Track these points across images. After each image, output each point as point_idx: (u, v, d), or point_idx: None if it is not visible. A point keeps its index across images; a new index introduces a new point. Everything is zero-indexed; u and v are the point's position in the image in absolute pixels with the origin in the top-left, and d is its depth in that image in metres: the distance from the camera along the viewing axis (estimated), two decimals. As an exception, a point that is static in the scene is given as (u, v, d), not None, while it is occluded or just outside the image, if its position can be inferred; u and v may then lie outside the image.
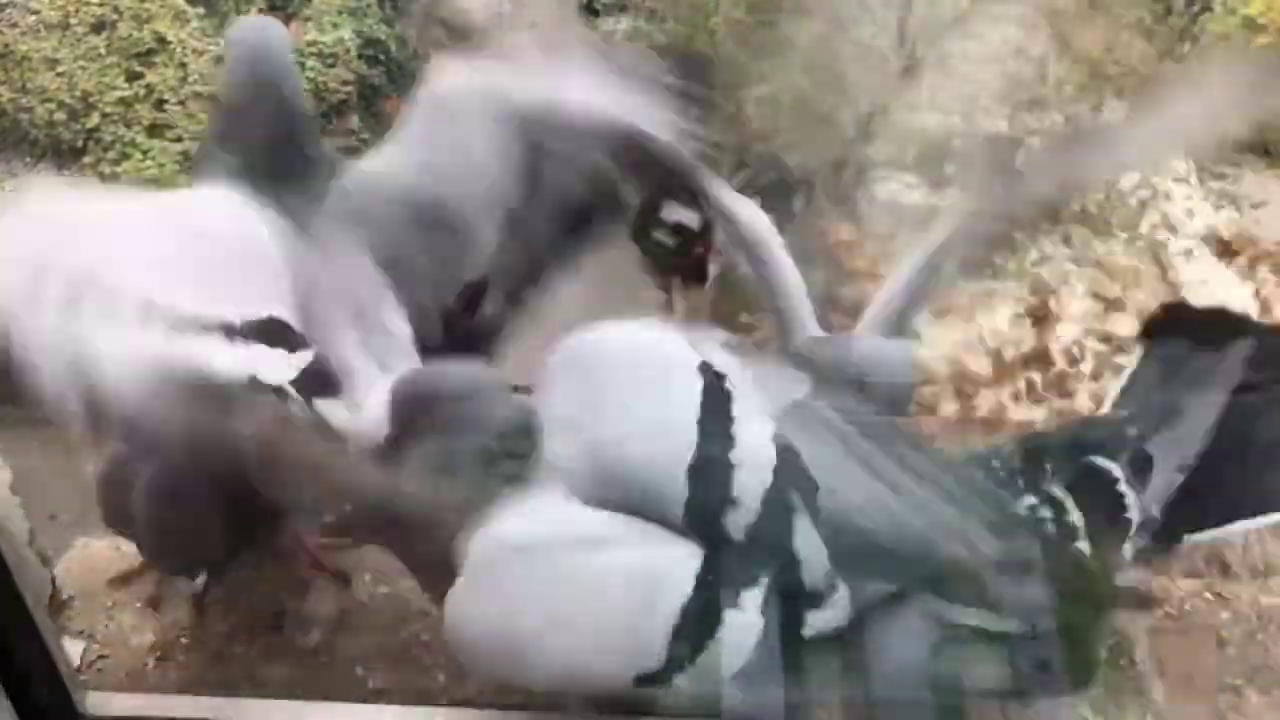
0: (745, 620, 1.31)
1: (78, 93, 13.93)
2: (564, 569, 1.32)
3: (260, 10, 16.03)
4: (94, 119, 14.05)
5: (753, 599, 1.31)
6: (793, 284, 1.90)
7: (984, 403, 5.40)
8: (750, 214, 1.89)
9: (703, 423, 1.35)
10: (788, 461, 1.34)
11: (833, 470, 1.36)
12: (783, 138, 13.85)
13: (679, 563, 1.31)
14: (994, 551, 1.38)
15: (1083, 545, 1.46)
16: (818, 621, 1.33)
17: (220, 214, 1.58)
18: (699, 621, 1.30)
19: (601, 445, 1.35)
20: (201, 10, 15.31)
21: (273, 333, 1.46)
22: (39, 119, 14.06)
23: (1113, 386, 1.75)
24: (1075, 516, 1.48)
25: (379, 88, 17.92)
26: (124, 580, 1.84)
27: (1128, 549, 1.48)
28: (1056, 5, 11.98)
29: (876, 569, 1.35)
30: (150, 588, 1.86)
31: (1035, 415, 5.42)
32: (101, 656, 1.72)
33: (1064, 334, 5.36)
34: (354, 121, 16.52)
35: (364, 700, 1.65)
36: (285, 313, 1.49)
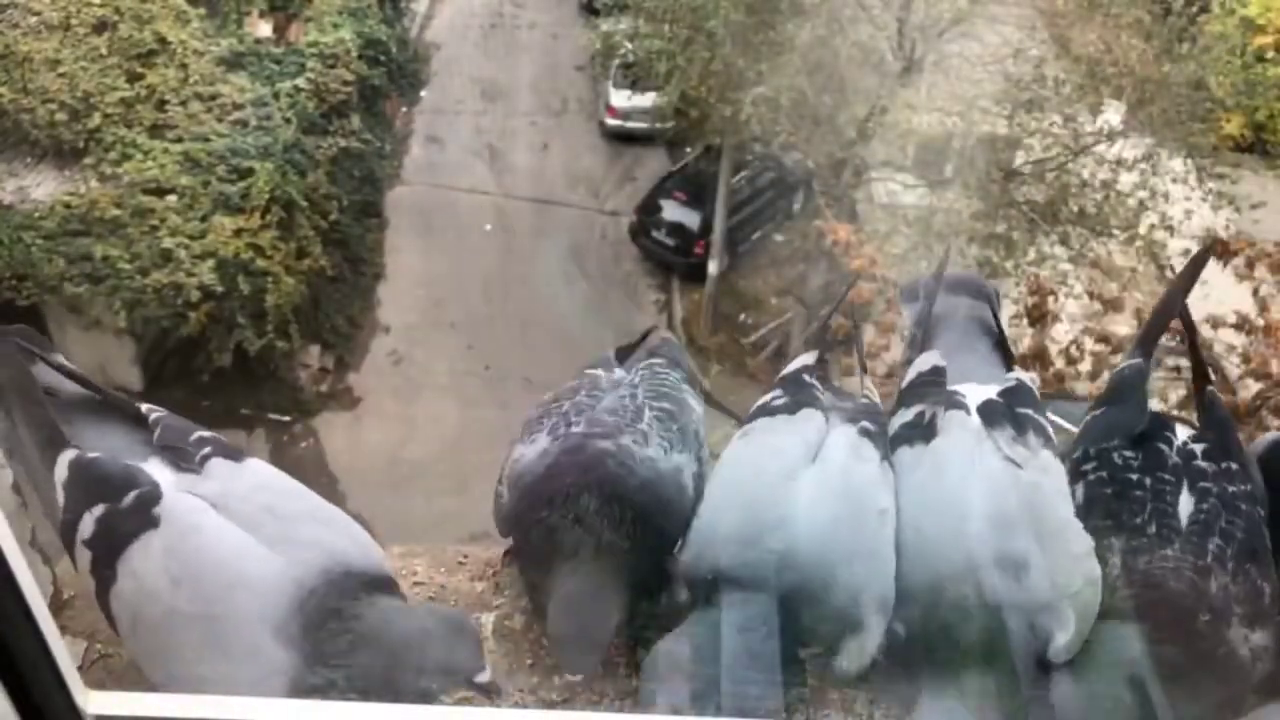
0: None
1: (79, 93, 13.83)
2: None
3: (261, 11, 15.94)
4: (95, 119, 13.97)
5: None
6: None
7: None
8: None
9: None
10: None
11: None
12: (782, 138, 13.88)
13: None
14: None
15: None
16: None
17: None
18: None
19: None
20: (203, 11, 15.18)
21: None
22: (40, 119, 13.97)
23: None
24: None
25: (379, 88, 17.85)
26: None
27: None
28: (1055, 6, 11.94)
29: None
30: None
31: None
32: (103, 656, 1.72)
33: (1062, 334, 5.36)
34: (354, 121, 16.43)
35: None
36: None
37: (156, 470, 1.57)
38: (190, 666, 1.38)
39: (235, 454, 1.62)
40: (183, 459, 1.58)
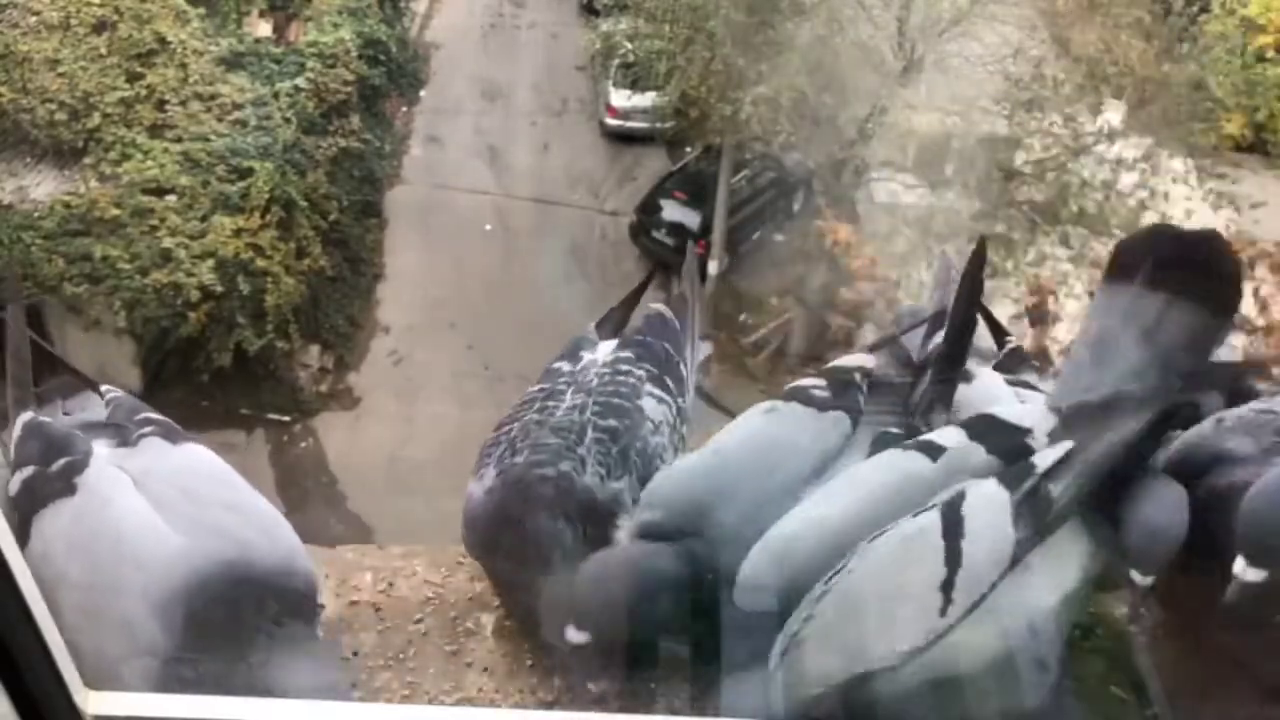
0: None
1: (79, 93, 13.86)
2: None
3: (261, 11, 15.97)
4: (95, 119, 14.00)
5: None
6: None
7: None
8: None
9: None
10: None
11: None
12: (782, 138, 13.89)
13: None
14: None
15: None
16: None
17: None
18: None
19: None
20: (203, 11, 15.21)
21: None
22: (40, 119, 13.99)
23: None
24: None
25: (379, 88, 17.86)
26: None
27: None
28: (1055, 6, 11.95)
29: None
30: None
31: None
32: (102, 656, 1.72)
33: (1062, 333, 5.36)
34: (354, 121, 16.44)
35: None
36: None
37: (95, 443, 1.61)
38: (67, 633, 1.39)
39: (176, 437, 1.64)
40: (121, 434, 1.62)
